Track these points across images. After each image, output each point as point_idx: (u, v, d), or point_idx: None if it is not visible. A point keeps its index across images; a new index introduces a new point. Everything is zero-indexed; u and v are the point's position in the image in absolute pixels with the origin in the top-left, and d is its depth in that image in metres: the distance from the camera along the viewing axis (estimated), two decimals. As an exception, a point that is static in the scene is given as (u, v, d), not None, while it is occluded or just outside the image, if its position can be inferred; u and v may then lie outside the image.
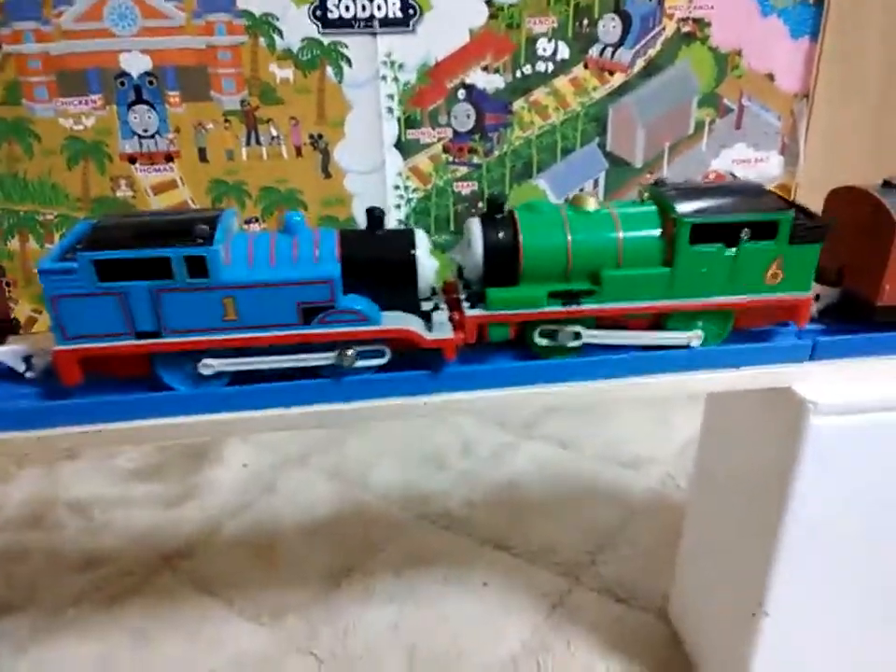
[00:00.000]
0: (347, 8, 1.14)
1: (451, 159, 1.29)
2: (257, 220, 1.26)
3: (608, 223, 0.61)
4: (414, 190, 1.30)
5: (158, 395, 0.60)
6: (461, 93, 1.24)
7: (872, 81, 1.39)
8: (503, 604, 0.97)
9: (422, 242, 0.59)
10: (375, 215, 0.59)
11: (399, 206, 1.30)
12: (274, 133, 1.20)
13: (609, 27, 1.24)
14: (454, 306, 0.62)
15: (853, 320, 0.66)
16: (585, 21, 1.23)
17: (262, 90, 1.17)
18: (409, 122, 1.24)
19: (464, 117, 1.26)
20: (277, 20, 1.13)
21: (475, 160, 1.30)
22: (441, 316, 0.61)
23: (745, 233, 0.60)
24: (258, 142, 1.20)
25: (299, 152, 1.22)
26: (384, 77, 1.20)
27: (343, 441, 1.34)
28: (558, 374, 0.63)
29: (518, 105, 1.27)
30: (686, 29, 1.27)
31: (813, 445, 0.64)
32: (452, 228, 1.32)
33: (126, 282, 0.55)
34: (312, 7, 1.13)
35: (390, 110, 1.22)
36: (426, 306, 0.61)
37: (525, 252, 0.60)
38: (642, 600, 0.97)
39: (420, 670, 0.88)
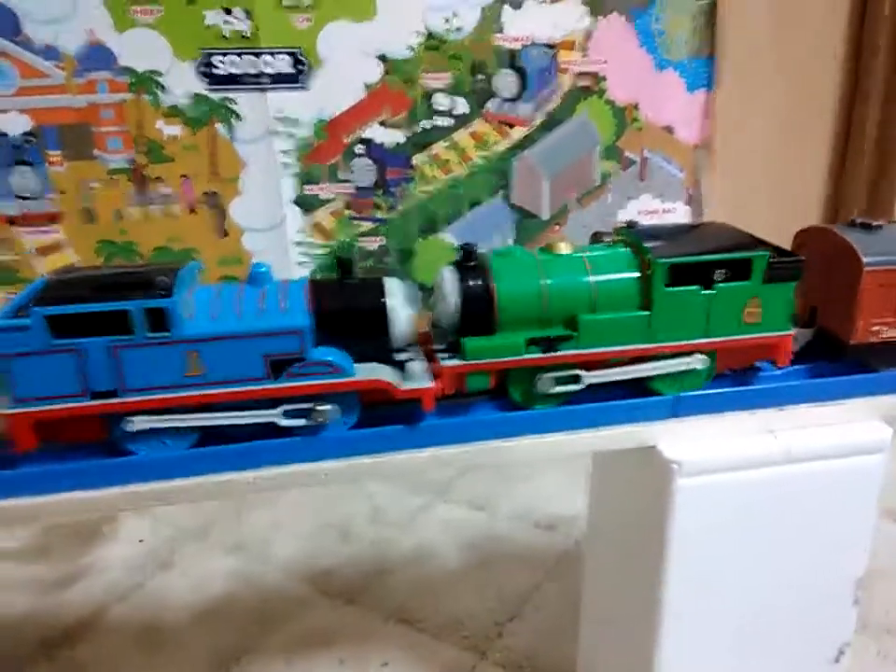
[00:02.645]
0: (234, 64, 1.14)
1: (354, 214, 1.28)
2: (149, 282, 1.23)
3: (581, 267, 0.62)
4: (318, 247, 1.29)
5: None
6: (360, 148, 1.25)
7: (770, 131, 1.44)
8: (401, 685, 0.93)
9: (396, 290, 0.59)
10: (345, 262, 0.59)
11: (302, 264, 1.29)
12: (165, 191, 1.18)
13: (506, 81, 1.27)
14: (429, 357, 0.62)
15: (828, 359, 0.69)
16: (481, 77, 1.26)
17: (149, 147, 1.16)
18: (307, 178, 1.24)
19: (364, 172, 1.27)
20: (161, 76, 1.12)
21: (379, 214, 1.30)
22: (417, 366, 0.60)
23: (719, 274, 0.61)
24: (148, 201, 1.18)
25: (192, 210, 1.21)
26: (277, 133, 1.19)
27: (247, 512, 1.29)
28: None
29: (419, 159, 1.28)
30: (582, 83, 1.31)
31: (681, 504, 0.63)
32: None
33: (82, 338, 0.53)
34: (197, 63, 1.13)
35: (286, 166, 1.22)
36: (401, 357, 0.60)
37: (501, 298, 0.60)
38: (549, 672, 0.94)
39: None
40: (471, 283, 0.60)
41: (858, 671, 0.92)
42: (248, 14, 1.12)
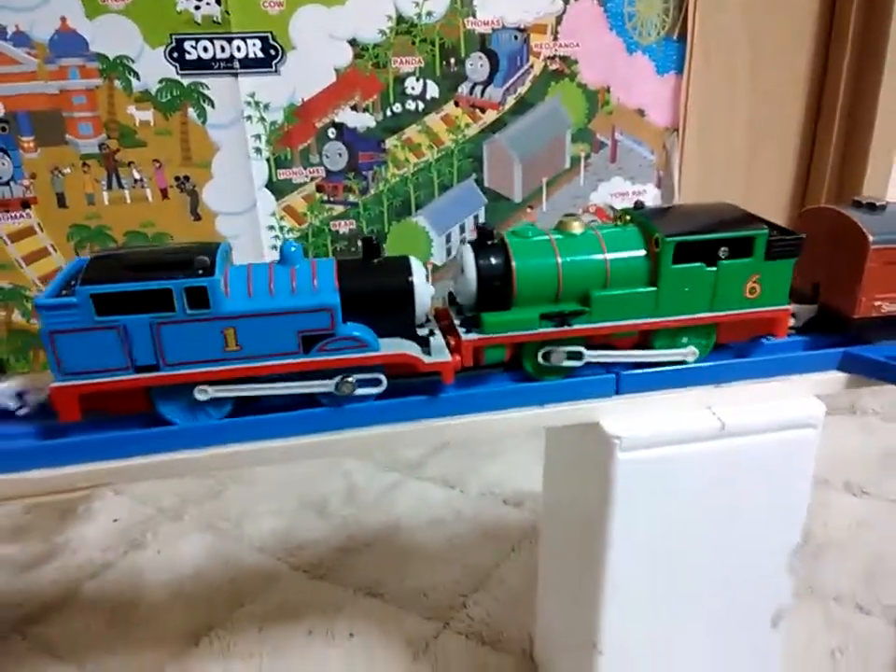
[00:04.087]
0: (205, 49, 1.16)
1: (326, 198, 1.31)
2: (123, 265, 1.25)
3: (594, 245, 0.66)
4: (290, 230, 1.31)
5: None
6: (331, 132, 1.27)
7: (739, 113, 1.47)
8: (368, 654, 0.98)
9: (418, 269, 0.63)
10: (372, 244, 0.63)
11: (275, 247, 1.31)
12: (137, 175, 1.20)
13: (477, 66, 1.29)
14: (447, 331, 0.66)
15: (832, 333, 0.73)
16: (452, 60, 1.28)
17: (121, 132, 1.18)
18: (279, 162, 1.26)
19: (336, 156, 1.29)
20: (133, 62, 1.14)
21: (351, 198, 1.32)
22: (439, 341, 0.64)
23: (723, 251, 0.65)
24: (120, 185, 1.20)
25: (165, 194, 1.23)
26: (249, 118, 1.22)
27: (222, 493, 1.33)
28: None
29: (391, 143, 1.30)
30: (554, 67, 1.33)
31: (622, 477, 0.67)
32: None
33: (125, 315, 0.57)
34: (168, 48, 1.14)
35: (258, 150, 1.24)
36: (421, 332, 0.64)
37: (518, 276, 0.64)
38: (509, 642, 0.99)
39: (272, 729, 0.87)
40: (490, 261, 0.64)
41: (805, 636, 0.97)
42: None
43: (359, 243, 0.63)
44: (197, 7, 1.14)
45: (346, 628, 1.01)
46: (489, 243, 0.65)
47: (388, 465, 1.37)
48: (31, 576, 1.12)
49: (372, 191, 1.33)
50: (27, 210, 1.19)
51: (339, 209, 1.33)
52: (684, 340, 0.68)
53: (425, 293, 0.63)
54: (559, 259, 0.65)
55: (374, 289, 0.62)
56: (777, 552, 0.74)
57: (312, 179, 1.29)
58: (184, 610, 1.04)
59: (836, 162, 1.52)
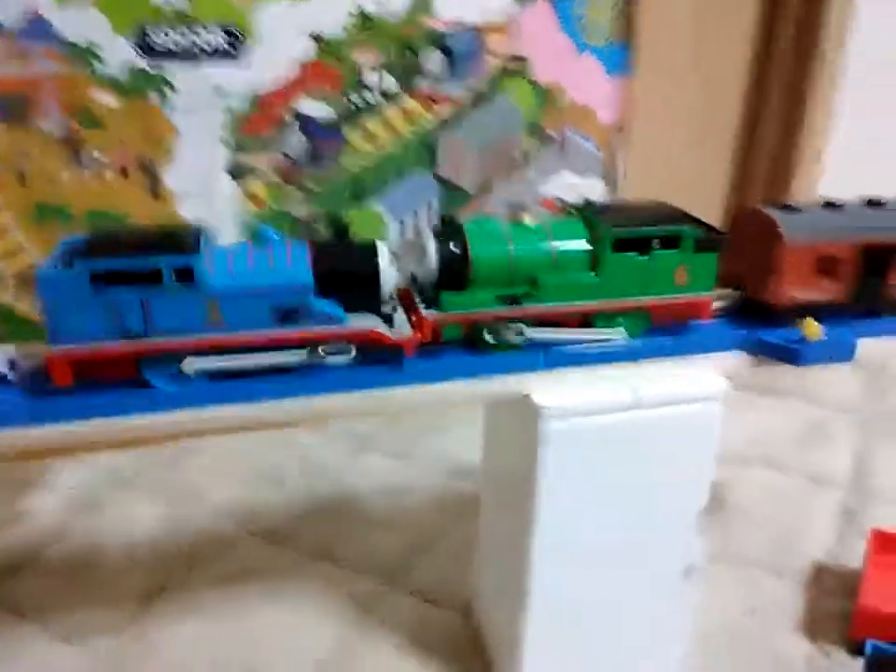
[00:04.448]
0: (170, 38, 1.20)
1: (285, 184, 1.36)
2: (86, 244, 1.29)
3: (543, 235, 0.74)
4: (250, 214, 1.36)
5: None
6: (292, 121, 1.32)
7: (682, 113, 1.56)
8: (317, 612, 1.05)
9: (383, 252, 0.70)
10: (341, 227, 0.72)
11: (238, 230, 1.36)
12: (100, 157, 1.24)
13: (435, 61, 1.36)
14: (409, 309, 0.74)
15: (754, 318, 0.83)
16: (411, 56, 1.34)
17: (85, 116, 1.21)
18: (240, 148, 1.31)
19: (296, 144, 1.34)
20: (100, 48, 1.18)
21: (310, 185, 1.38)
22: (401, 317, 0.72)
23: (656, 243, 0.74)
24: (81, 166, 1.24)
25: (126, 176, 1.27)
26: (211, 105, 1.26)
27: (179, 463, 1.38)
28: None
29: (350, 132, 1.36)
30: (507, 65, 1.40)
31: (548, 444, 0.75)
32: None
33: (117, 287, 0.62)
34: (134, 37, 1.18)
35: (220, 137, 1.29)
36: (385, 309, 0.71)
37: (474, 261, 0.72)
38: (450, 600, 1.06)
39: (224, 680, 0.93)
40: (450, 246, 0.72)
41: (722, 597, 1.07)
42: (183, -11, 1.19)
43: (330, 227, 0.70)
44: (163, -3, 1.19)
45: (297, 590, 1.07)
46: (449, 230, 0.73)
47: (341, 437, 1.43)
48: (-10, 543, 1.17)
49: (331, 178, 1.39)
50: (-9, 188, 1.22)
51: (298, 195, 1.38)
52: (620, 321, 0.77)
53: (390, 274, 0.70)
54: (511, 247, 0.73)
55: (344, 269, 0.69)
56: (686, 512, 0.83)
57: (272, 166, 1.35)
58: (140, 573, 1.10)
59: (772, 158, 1.62)
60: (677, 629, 0.90)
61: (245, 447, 1.40)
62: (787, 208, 0.83)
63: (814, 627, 1.02)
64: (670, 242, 0.75)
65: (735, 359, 0.82)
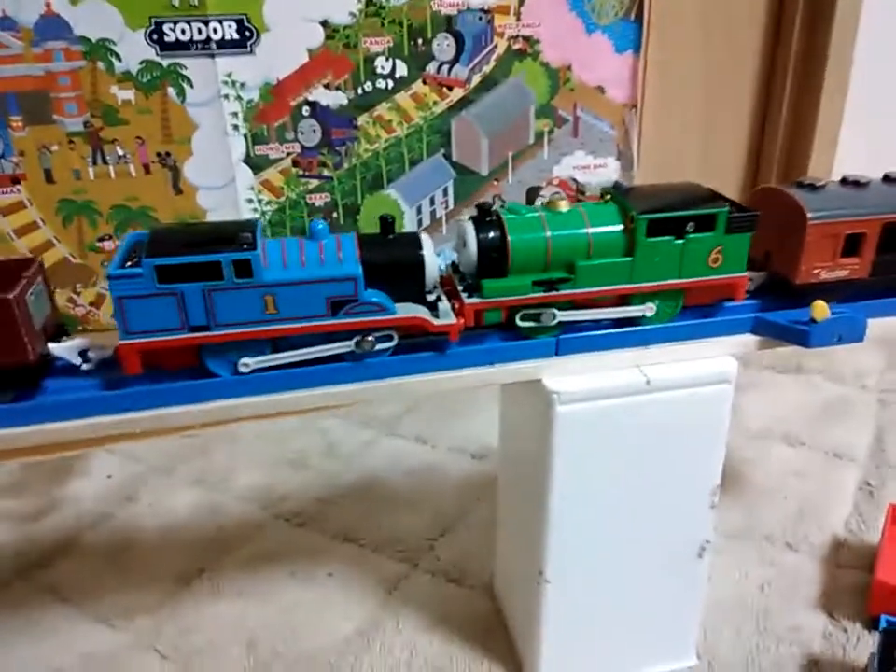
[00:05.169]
0: (183, 31, 1.22)
1: (301, 172, 1.38)
2: (110, 238, 1.32)
3: (578, 221, 0.76)
4: (268, 203, 1.39)
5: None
6: (305, 110, 1.34)
7: (694, 90, 1.55)
8: (344, 592, 1.08)
9: (427, 244, 0.74)
10: (388, 221, 0.74)
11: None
12: (121, 152, 1.27)
13: (444, 45, 1.36)
14: (451, 296, 0.77)
15: (780, 296, 0.84)
16: (420, 41, 1.34)
17: (105, 111, 1.24)
18: (256, 139, 1.33)
19: (310, 132, 1.36)
20: (114, 44, 1.20)
21: (325, 172, 1.39)
22: (446, 305, 0.76)
23: (690, 226, 0.76)
24: (104, 161, 1.27)
25: (147, 170, 1.30)
26: (226, 97, 1.28)
27: (209, 450, 1.42)
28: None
29: (362, 119, 1.37)
30: (517, 46, 1.40)
31: (561, 428, 0.76)
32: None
33: (182, 283, 0.67)
34: (147, 30, 1.20)
35: (236, 127, 1.31)
36: (429, 297, 0.75)
37: (513, 248, 0.74)
38: (472, 579, 1.09)
39: (257, 657, 0.97)
40: (489, 235, 0.75)
41: (738, 572, 1.09)
42: (195, -17, 1.20)
43: (378, 220, 0.74)
44: (175, -8, 1.20)
45: (325, 569, 1.11)
46: (488, 219, 0.76)
47: (364, 422, 1.46)
48: (31, 527, 1.21)
49: (346, 166, 1.40)
50: (17, 186, 1.25)
51: (314, 183, 1.40)
52: (656, 302, 0.79)
53: (433, 264, 0.73)
54: (548, 234, 0.75)
55: (391, 261, 0.73)
56: (699, 492, 0.84)
57: (288, 154, 1.36)
58: (176, 556, 1.14)
59: (786, 134, 1.60)
60: (691, 606, 0.92)
61: (270, 433, 1.44)
62: (806, 186, 0.83)
63: (832, 602, 1.04)
64: (704, 223, 0.76)
65: (747, 341, 0.82)
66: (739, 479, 1.28)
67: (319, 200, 1.41)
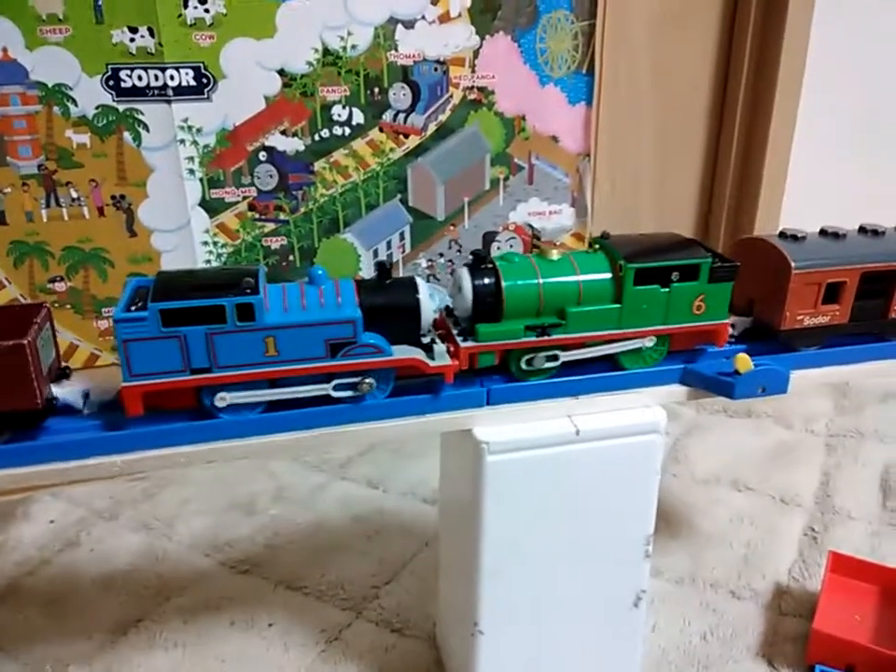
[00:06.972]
0: (140, 78, 1.23)
1: (257, 216, 1.39)
2: (62, 279, 1.32)
3: (569, 269, 0.79)
4: (223, 246, 1.39)
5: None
6: (262, 155, 1.36)
7: (645, 140, 1.60)
8: (283, 642, 1.06)
9: (423, 289, 0.76)
10: (385, 267, 0.76)
11: (209, 262, 1.39)
12: (75, 194, 1.27)
13: (400, 95, 1.39)
14: (445, 339, 0.79)
15: (763, 341, 0.88)
16: (376, 90, 1.37)
17: (59, 154, 1.25)
18: (212, 183, 1.34)
19: (267, 177, 1.37)
20: (71, 89, 1.21)
21: (282, 216, 1.41)
22: (441, 347, 0.77)
23: (675, 275, 0.79)
24: (58, 204, 1.27)
25: (101, 212, 1.30)
26: (182, 141, 1.30)
27: (157, 494, 1.40)
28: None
29: (319, 165, 1.39)
30: (472, 96, 1.43)
31: (491, 478, 0.77)
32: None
33: (185, 327, 0.68)
34: (104, 76, 1.22)
35: (192, 171, 1.32)
36: (424, 340, 0.77)
37: (507, 294, 0.77)
38: (415, 629, 1.08)
39: (190, 709, 0.95)
40: (484, 281, 0.77)
41: (680, 621, 1.09)
42: (152, 32, 1.22)
43: (374, 266, 0.76)
44: (132, 40, 1.22)
45: (266, 618, 1.09)
46: (483, 266, 0.78)
47: (316, 466, 1.45)
48: (-32, 574, 1.18)
49: (302, 210, 1.42)
50: (-33, 227, 1.25)
51: (270, 226, 1.41)
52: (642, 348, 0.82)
53: (428, 308, 0.76)
54: (540, 280, 0.78)
55: (388, 304, 0.75)
56: (633, 541, 0.85)
57: (244, 198, 1.38)
58: (114, 604, 1.12)
59: (735, 183, 1.66)
60: (629, 656, 0.91)
61: (219, 476, 1.42)
62: (789, 237, 0.88)
63: (773, 650, 1.04)
64: (688, 273, 0.79)
65: (677, 391, 0.84)
66: (686, 524, 1.29)
67: (275, 243, 1.42)
